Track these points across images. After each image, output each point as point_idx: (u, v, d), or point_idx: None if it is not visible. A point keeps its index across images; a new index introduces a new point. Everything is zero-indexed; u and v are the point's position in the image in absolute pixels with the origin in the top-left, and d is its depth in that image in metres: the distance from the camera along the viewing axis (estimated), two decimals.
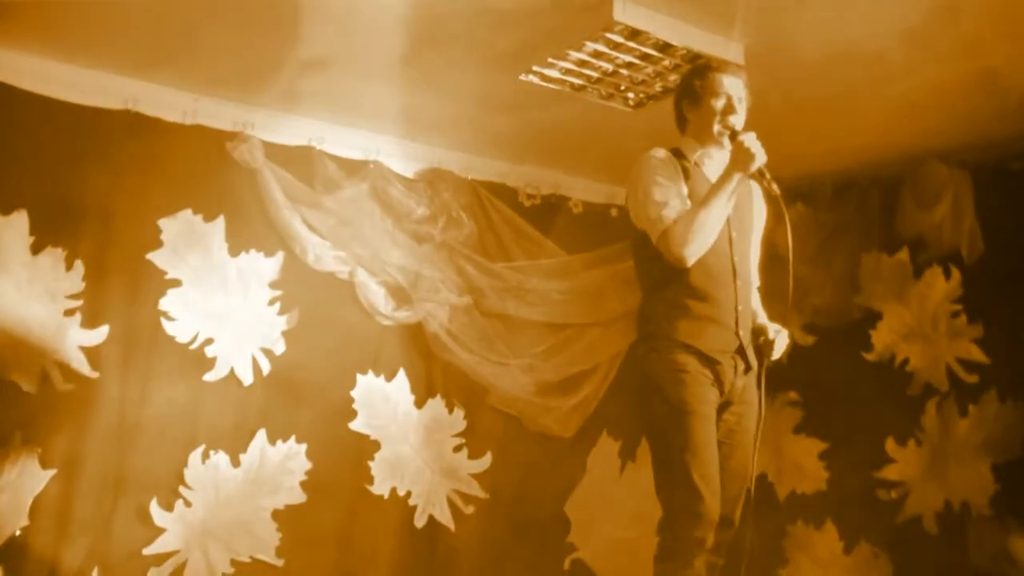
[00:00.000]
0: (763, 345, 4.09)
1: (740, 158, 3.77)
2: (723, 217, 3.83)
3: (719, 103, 3.98)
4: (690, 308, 3.90)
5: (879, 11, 4.35)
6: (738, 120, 3.98)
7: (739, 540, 4.10)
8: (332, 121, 6.00)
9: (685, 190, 3.95)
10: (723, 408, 4.00)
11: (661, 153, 4.04)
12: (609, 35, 4.47)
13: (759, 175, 3.86)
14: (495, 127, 6.06)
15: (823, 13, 4.38)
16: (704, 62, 4.28)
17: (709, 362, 3.90)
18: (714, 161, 4.08)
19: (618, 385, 6.88)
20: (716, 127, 3.98)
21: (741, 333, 3.98)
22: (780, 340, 4.09)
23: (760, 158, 3.75)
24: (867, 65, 4.90)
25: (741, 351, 4.00)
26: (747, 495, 4.08)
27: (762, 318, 4.25)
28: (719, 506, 3.79)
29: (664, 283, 3.96)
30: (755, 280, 4.36)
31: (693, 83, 4.09)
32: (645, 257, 4.05)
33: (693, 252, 3.79)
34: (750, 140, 3.77)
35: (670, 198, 3.89)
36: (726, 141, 3.95)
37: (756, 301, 4.32)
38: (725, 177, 3.81)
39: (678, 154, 4.09)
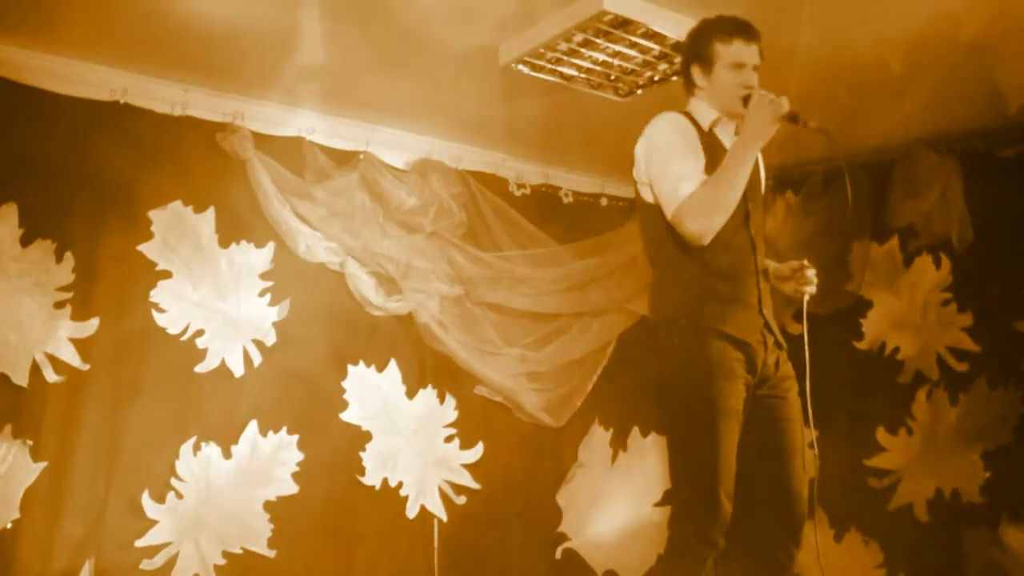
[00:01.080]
0: (797, 282, 3.90)
1: (760, 119, 3.55)
2: (741, 190, 3.58)
3: (734, 73, 3.74)
4: (715, 289, 3.67)
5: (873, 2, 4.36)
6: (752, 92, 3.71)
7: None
8: (322, 112, 6.00)
9: (703, 160, 3.68)
10: (760, 385, 3.76)
11: (678, 118, 3.78)
12: (598, 24, 4.46)
13: (790, 120, 3.61)
14: (485, 117, 6.08)
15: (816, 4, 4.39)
16: (718, 22, 3.84)
17: (741, 346, 3.66)
18: (728, 128, 3.87)
19: (609, 374, 6.89)
20: (732, 96, 3.73)
21: (765, 311, 3.76)
22: (810, 272, 3.89)
23: (782, 108, 3.53)
24: (857, 53, 4.91)
25: (767, 328, 3.77)
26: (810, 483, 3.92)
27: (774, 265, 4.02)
28: (730, 509, 3.60)
29: (681, 262, 3.70)
30: None
31: (705, 47, 3.79)
32: (657, 233, 3.77)
33: (710, 230, 3.53)
34: (765, 98, 3.56)
35: (688, 170, 3.62)
36: (741, 109, 3.70)
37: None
38: (743, 146, 3.58)
39: (692, 119, 3.83)
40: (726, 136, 3.85)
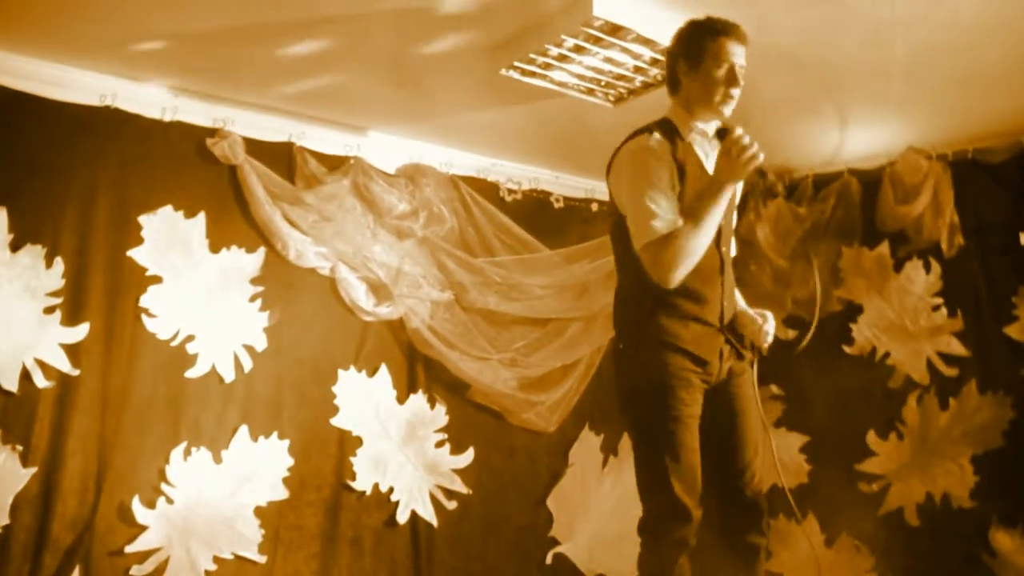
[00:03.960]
0: (755, 336, 3.87)
1: (735, 163, 3.49)
2: (712, 233, 3.57)
3: (722, 71, 3.69)
4: (677, 306, 3.68)
5: (863, 5, 4.36)
6: (738, 92, 3.73)
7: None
8: (312, 117, 6.01)
9: (675, 186, 3.64)
10: (718, 388, 3.82)
11: (656, 139, 3.69)
12: (589, 30, 4.46)
13: (759, 175, 3.73)
14: (476, 122, 6.08)
15: (807, 11, 4.40)
16: (708, 22, 3.80)
17: (698, 361, 3.72)
18: (706, 138, 3.84)
19: (600, 379, 6.88)
20: (718, 97, 3.70)
21: (726, 330, 3.80)
22: (769, 327, 3.88)
23: (758, 158, 3.48)
24: (847, 59, 4.92)
25: (729, 343, 3.82)
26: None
27: (741, 303, 4.05)
28: (699, 510, 3.68)
29: (646, 276, 3.60)
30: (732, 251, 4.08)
31: (694, 44, 3.75)
32: (626, 246, 3.73)
33: (678, 276, 3.53)
34: (743, 140, 3.50)
35: (661, 205, 3.57)
36: (726, 110, 3.73)
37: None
38: (719, 189, 3.53)
39: (670, 130, 3.78)
40: (700, 146, 3.84)
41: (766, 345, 3.89)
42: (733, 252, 4.03)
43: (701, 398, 3.75)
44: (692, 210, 3.56)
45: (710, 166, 3.77)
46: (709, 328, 3.76)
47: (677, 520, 3.66)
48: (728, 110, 3.74)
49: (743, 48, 3.75)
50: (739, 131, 3.54)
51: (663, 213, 3.56)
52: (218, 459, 5.48)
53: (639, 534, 3.81)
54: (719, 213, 3.57)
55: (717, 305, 3.78)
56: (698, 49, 3.73)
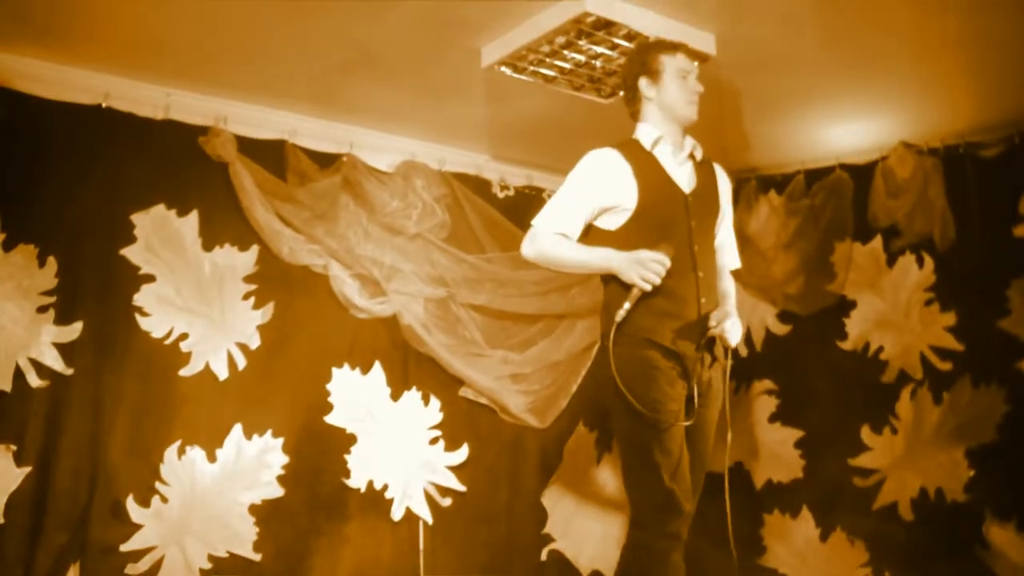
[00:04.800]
0: (719, 337, 4.02)
1: (629, 276, 3.81)
2: (578, 273, 4.32)
3: (683, 79, 4.02)
4: (650, 303, 3.85)
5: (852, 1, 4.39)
6: (697, 100, 4.04)
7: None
8: (305, 114, 6.00)
9: (622, 197, 3.96)
10: (690, 400, 3.94)
11: (607, 152, 4.05)
12: (581, 26, 4.48)
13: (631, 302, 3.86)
14: (468, 119, 6.09)
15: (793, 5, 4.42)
16: (661, 40, 4.19)
17: (675, 356, 3.87)
18: (671, 148, 4.06)
19: (593, 375, 6.88)
20: (682, 106, 4.01)
21: (703, 327, 3.92)
22: (732, 331, 4.01)
23: (644, 288, 3.78)
24: (838, 54, 4.94)
25: (708, 344, 3.98)
26: (714, 486, 4.11)
27: (730, 303, 4.19)
28: (690, 500, 3.81)
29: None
30: (732, 262, 4.37)
31: (653, 61, 4.05)
32: (603, 244, 4.02)
33: (533, 259, 4.10)
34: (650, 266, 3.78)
35: (566, 208, 4.03)
36: (693, 113, 4.03)
37: (727, 286, 4.31)
38: (607, 264, 3.91)
39: (632, 145, 4.06)
40: (664, 154, 4.05)
41: (731, 344, 4.03)
42: (734, 261, 4.39)
43: (682, 392, 3.88)
44: (580, 250, 4.03)
45: (679, 176, 4.03)
46: (686, 324, 3.91)
47: (670, 512, 3.74)
48: (693, 115, 4.05)
49: (697, 64, 4.11)
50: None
51: (564, 215, 4.03)
52: (212, 457, 5.48)
53: (630, 529, 3.91)
54: (589, 270, 4.11)
55: (694, 302, 3.94)
56: (657, 64, 4.04)
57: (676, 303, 3.89)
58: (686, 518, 3.79)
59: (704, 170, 4.17)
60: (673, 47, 4.06)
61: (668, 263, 3.74)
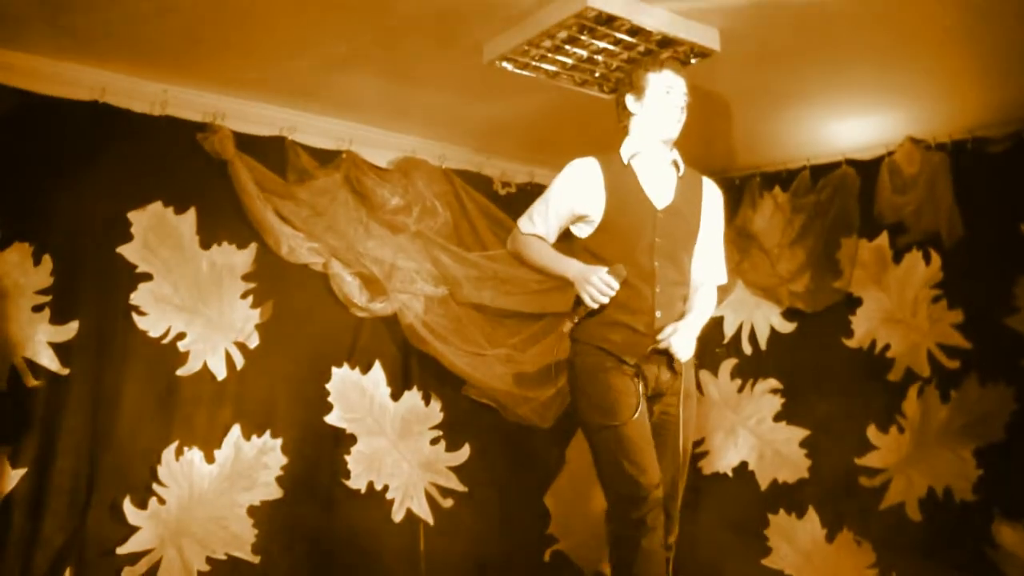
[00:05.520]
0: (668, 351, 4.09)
1: (582, 286, 4.02)
2: (551, 275, 4.32)
3: (667, 97, 4.12)
4: (603, 314, 4.04)
5: None
6: (683, 116, 4.15)
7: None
8: (304, 110, 5.99)
9: (593, 206, 4.12)
10: (654, 399, 4.12)
11: (586, 162, 4.20)
12: (583, 21, 4.46)
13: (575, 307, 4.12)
14: (469, 115, 6.08)
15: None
16: (649, 57, 4.45)
17: (624, 362, 4.02)
18: (649, 158, 4.18)
19: None
20: (665, 119, 4.12)
21: (659, 338, 4.03)
22: (679, 346, 4.05)
23: (596, 302, 3.98)
24: (844, 49, 4.92)
25: (661, 354, 4.07)
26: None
27: (690, 318, 4.19)
28: (659, 487, 3.89)
29: None
30: (716, 278, 4.40)
31: (639, 78, 4.19)
32: (567, 252, 4.27)
33: (512, 257, 4.53)
34: (600, 283, 3.96)
35: (547, 212, 4.25)
36: (675, 131, 4.15)
37: (700, 301, 4.29)
38: (563, 272, 4.16)
39: (612, 157, 4.20)
40: (644, 168, 4.18)
41: (679, 356, 4.07)
42: (719, 276, 4.45)
43: (641, 391, 4.01)
44: (547, 255, 4.29)
45: (652, 188, 4.15)
46: (637, 335, 4.04)
47: (634, 502, 3.84)
48: (675, 133, 4.17)
49: (683, 79, 4.19)
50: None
51: (541, 219, 4.28)
52: (210, 458, 5.49)
53: (605, 524, 4.05)
54: (555, 273, 4.24)
55: (648, 315, 4.05)
56: (642, 81, 4.18)
57: (629, 315, 4.03)
58: (653, 505, 3.85)
59: (688, 185, 4.27)
60: (659, 64, 4.19)
61: (616, 286, 3.94)
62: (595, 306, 3.95)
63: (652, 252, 4.07)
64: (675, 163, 4.23)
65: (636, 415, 3.93)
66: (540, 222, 4.27)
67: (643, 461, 3.88)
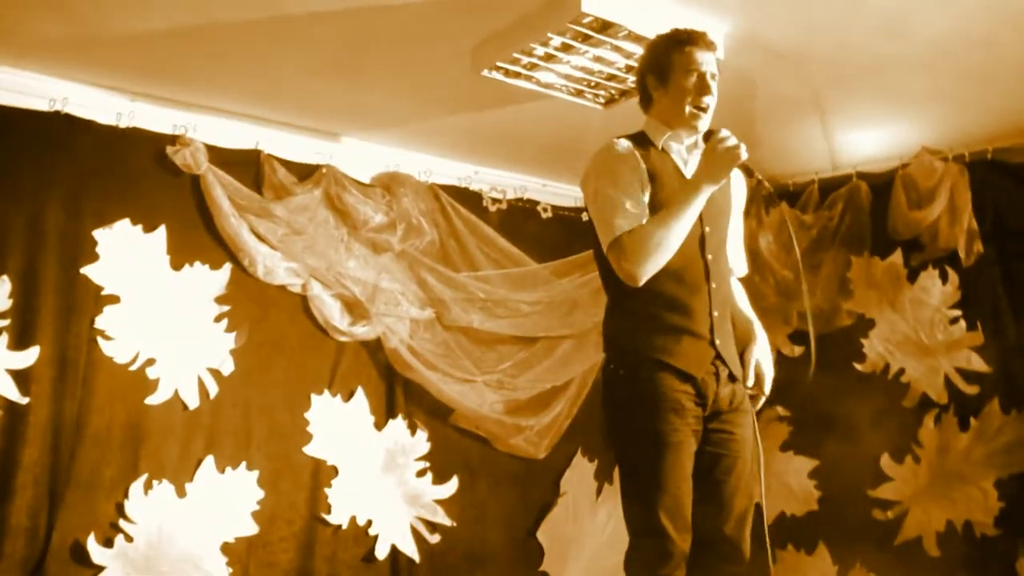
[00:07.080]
0: (757, 381, 3.95)
1: (717, 162, 3.56)
2: (685, 232, 3.60)
3: (691, 80, 3.78)
4: (661, 319, 3.70)
5: None
6: (711, 100, 3.80)
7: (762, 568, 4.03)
8: (282, 122, 5.98)
9: (647, 191, 3.73)
10: (712, 419, 3.78)
11: (623, 145, 3.80)
12: (577, 27, 4.44)
13: (746, 171, 3.80)
14: (456, 127, 6.08)
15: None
16: (673, 33, 3.95)
17: (687, 378, 3.70)
18: (683, 144, 3.91)
19: (592, 402, 6.83)
20: (688, 108, 3.78)
21: (718, 342, 3.76)
22: (767, 375, 3.97)
23: (741, 156, 3.54)
24: (855, 54, 4.88)
25: (720, 359, 3.79)
26: (758, 516, 3.95)
27: (743, 306, 4.12)
28: (688, 541, 3.65)
29: (630, 291, 3.67)
30: (738, 269, 4.21)
31: (661, 57, 3.88)
32: (606, 263, 3.77)
33: (647, 272, 3.58)
34: (727, 141, 3.58)
35: (626, 203, 3.68)
36: (700, 123, 3.79)
37: (738, 293, 4.17)
38: (693, 188, 3.60)
39: (642, 140, 3.89)
40: (678, 153, 3.89)
41: (758, 387, 3.96)
42: (741, 268, 4.18)
43: (693, 425, 3.71)
44: (663, 210, 3.62)
45: (690, 172, 3.83)
46: (699, 341, 3.73)
47: (661, 556, 3.62)
48: (704, 121, 3.80)
49: (711, 55, 3.84)
50: (723, 132, 3.62)
51: (627, 212, 3.64)
52: (182, 492, 5.43)
53: (624, 568, 3.78)
54: (691, 213, 3.59)
55: (705, 316, 3.76)
56: (666, 62, 3.84)
57: (689, 318, 3.73)
58: (680, 561, 3.64)
59: None
60: (683, 43, 3.84)
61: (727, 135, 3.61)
62: (746, 155, 3.56)
63: (703, 246, 3.79)
64: (699, 144, 3.91)
65: (684, 451, 3.67)
66: (629, 208, 3.64)
67: (681, 509, 3.65)
